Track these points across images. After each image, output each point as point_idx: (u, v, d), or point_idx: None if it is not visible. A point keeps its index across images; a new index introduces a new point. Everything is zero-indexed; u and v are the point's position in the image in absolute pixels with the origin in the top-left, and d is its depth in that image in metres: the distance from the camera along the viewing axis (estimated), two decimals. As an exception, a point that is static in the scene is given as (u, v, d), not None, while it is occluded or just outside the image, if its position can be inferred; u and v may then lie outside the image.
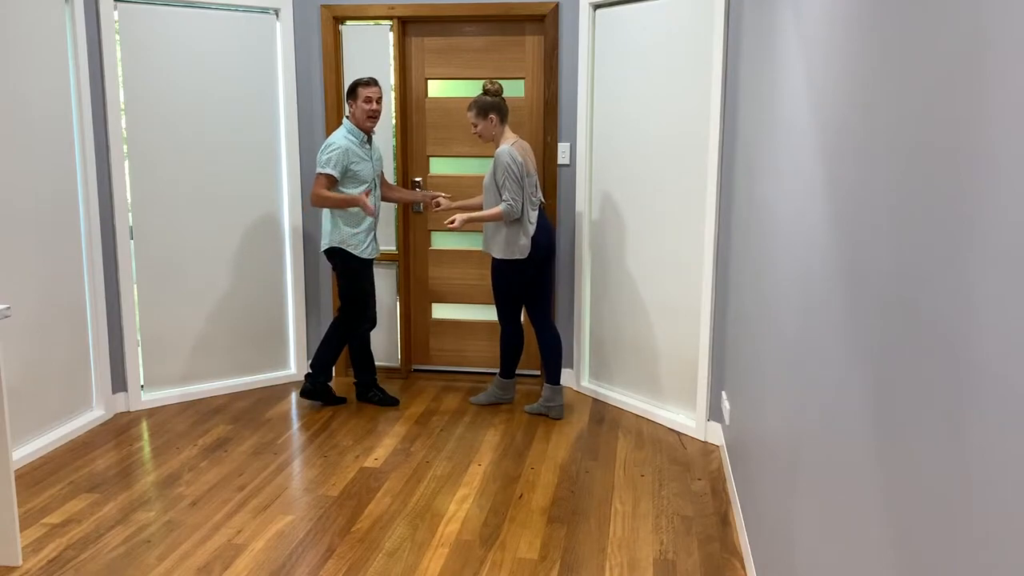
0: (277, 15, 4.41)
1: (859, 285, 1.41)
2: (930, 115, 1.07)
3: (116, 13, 3.97)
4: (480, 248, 4.65)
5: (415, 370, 4.91)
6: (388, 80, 4.56)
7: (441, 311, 4.85)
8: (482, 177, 4.61)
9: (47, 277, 3.70)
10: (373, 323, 4.24)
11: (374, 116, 3.98)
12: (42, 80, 3.62)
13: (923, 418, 1.07)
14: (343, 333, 4.17)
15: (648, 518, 3.11)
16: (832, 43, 1.72)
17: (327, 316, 4.76)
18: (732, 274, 3.58)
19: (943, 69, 1.03)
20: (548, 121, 4.41)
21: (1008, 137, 0.83)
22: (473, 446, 3.79)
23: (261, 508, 3.17)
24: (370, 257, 4.11)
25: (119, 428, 3.99)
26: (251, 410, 4.25)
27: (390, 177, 4.61)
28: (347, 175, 3.96)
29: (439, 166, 4.70)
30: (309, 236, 4.66)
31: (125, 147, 4.07)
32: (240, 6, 4.27)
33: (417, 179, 4.68)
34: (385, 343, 4.83)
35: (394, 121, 4.60)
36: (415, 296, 4.82)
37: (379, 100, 3.98)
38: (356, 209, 4.01)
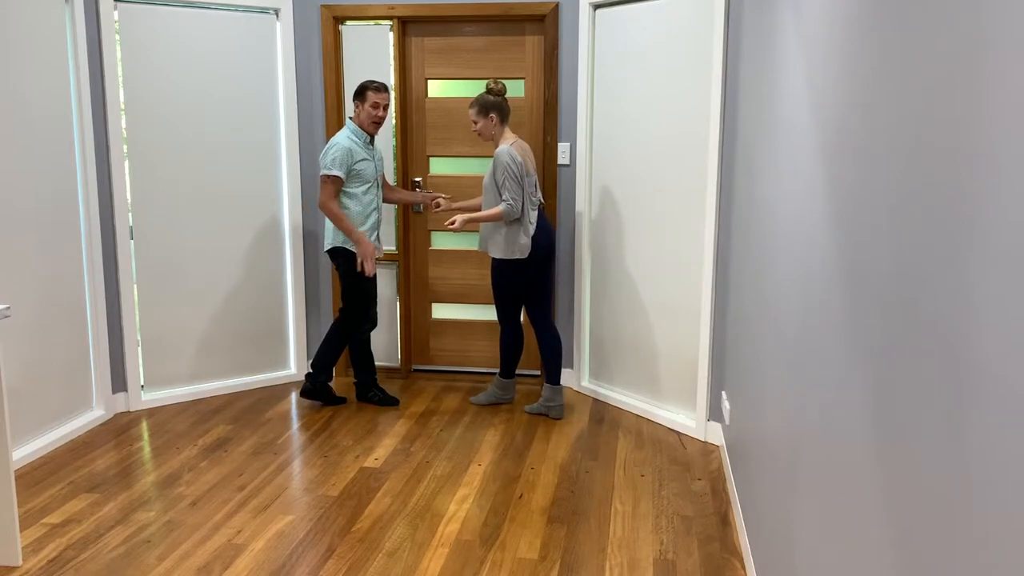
0: (277, 15, 4.41)
1: (859, 285, 1.41)
2: (930, 115, 1.07)
3: (116, 13, 3.97)
4: (478, 248, 4.65)
5: (415, 370, 4.91)
6: (388, 80, 4.56)
7: (441, 311, 4.85)
8: (482, 177, 4.61)
9: (47, 277, 3.70)
10: (373, 323, 4.24)
11: (378, 122, 3.99)
12: (42, 80, 3.62)
13: (923, 418, 1.07)
14: (345, 333, 4.17)
15: (648, 518, 3.11)
16: (832, 43, 1.72)
17: (327, 316, 4.76)
18: (732, 274, 3.58)
19: (943, 69, 1.03)
20: (548, 121, 4.41)
21: (1008, 137, 0.83)
22: (473, 446, 3.79)
23: (261, 508, 3.17)
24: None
25: (119, 428, 3.99)
26: (251, 410, 4.25)
27: (390, 177, 4.62)
28: (351, 175, 3.96)
29: (439, 166, 4.70)
30: (309, 236, 4.66)
31: (125, 147, 4.07)
32: (240, 6, 4.27)
33: (417, 179, 4.68)
34: (385, 343, 4.83)
35: (394, 121, 4.60)
36: (415, 296, 4.82)
37: (386, 107, 3.99)
38: (358, 209, 4.01)
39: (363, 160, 3.98)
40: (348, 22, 4.54)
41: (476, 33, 4.50)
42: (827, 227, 1.69)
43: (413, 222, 4.75)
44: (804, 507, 1.83)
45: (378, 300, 4.71)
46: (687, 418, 3.98)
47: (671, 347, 4.02)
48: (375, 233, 4.11)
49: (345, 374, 4.79)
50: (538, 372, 4.73)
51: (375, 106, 3.95)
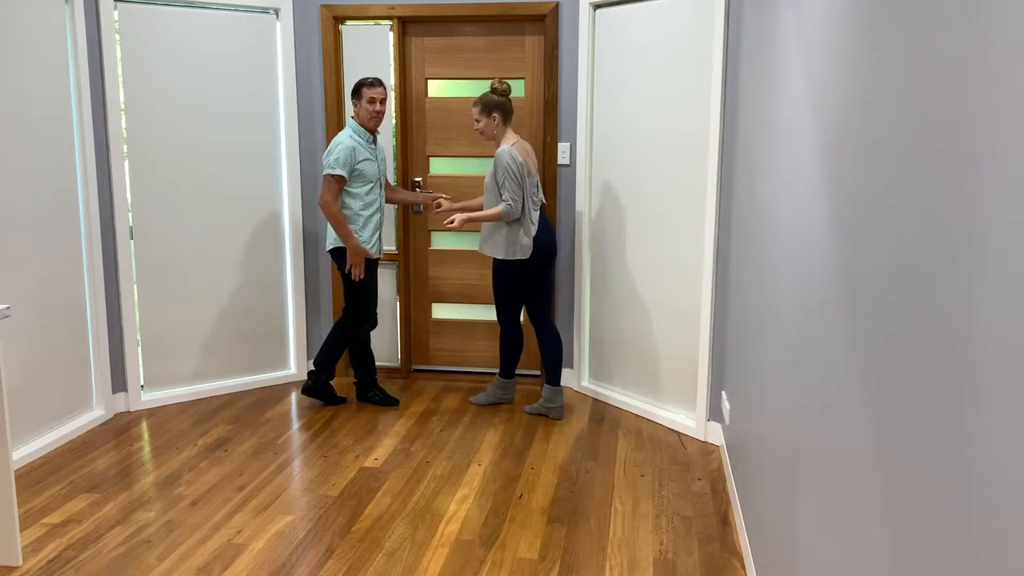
0: (277, 15, 4.41)
1: (859, 285, 1.41)
2: (930, 115, 1.07)
3: (116, 13, 3.97)
4: (478, 249, 4.65)
5: (415, 370, 4.91)
6: (388, 80, 4.56)
7: (441, 311, 4.85)
8: (482, 177, 4.61)
9: (47, 277, 3.70)
10: (374, 323, 4.24)
11: (377, 116, 3.98)
12: (42, 80, 3.62)
13: (923, 418, 1.07)
14: (347, 333, 4.17)
15: (648, 518, 3.11)
16: (832, 43, 1.72)
17: (327, 316, 4.76)
18: (732, 274, 3.58)
19: (943, 69, 1.03)
20: (548, 121, 4.41)
21: (1008, 137, 0.83)
22: (473, 446, 3.79)
23: (261, 508, 3.17)
24: (374, 257, 4.11)
25: (119, 428, 3.99)
26: (251, 410, 4.25)
27: (390, 177, 4.62)
28: (354, 174, 3.96)
29: (439, 166, 4.70)
30: (309, 236, 4.66)
31: (125, 147, 4.07)
32: (240, 6, 4.27)
33: (417, 179, 4.68)
34: (385, 343, 4.83)
35: (394, 121, 4.60)
36: (415, 296, 4.82)
37: (383, 101, 3.98)
38: (359, 208, 4.01)
39: (366, 159, 3.98)
40: (348, 22, 4.54)
41: (476, 33, 4.50)
42: (827, 227, 1.69)
43: (413, 222, 4.75)
44: (804, 507, 1.83)
45: (378, 300, 4.71)
46: (687, 418, 3.98)
47: (671, 347, 4.02)
48: (377, 233, 4.11)
49: (345, 374, 4.79)
50: (538, 372, 4.73)
51: (371, 101, 3.95)
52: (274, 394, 4.50)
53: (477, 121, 3.95)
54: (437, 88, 4.62)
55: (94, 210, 3.95)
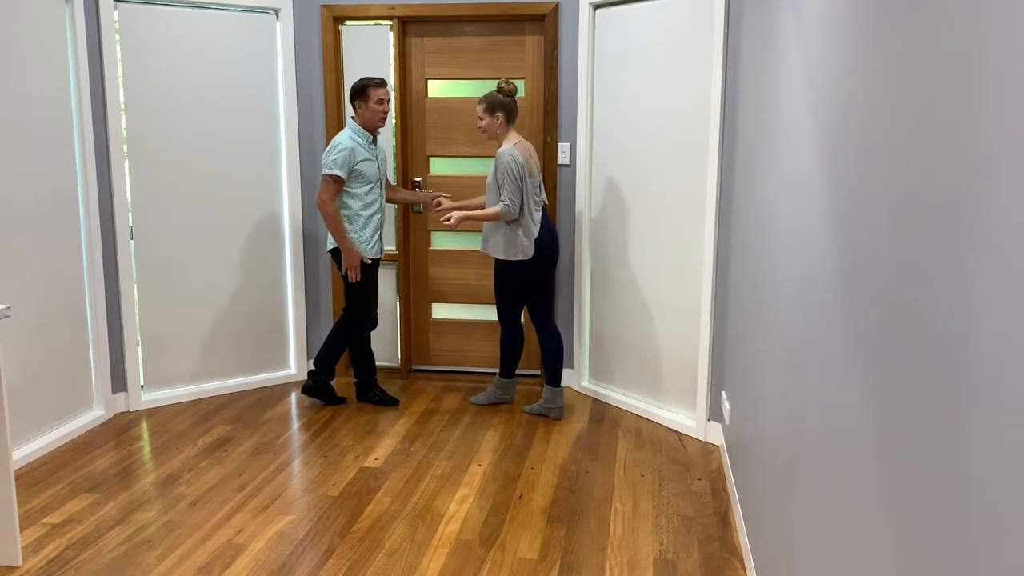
0: (277, 15, 4.41)
1: (859, 285, 1.41)
2: (930, 115, 1.07)
3: (116, 13, 3.97)
4: (479, 248, 4.65)
5: (415, 370, 4.91)
6: (388, 80, 4.56)
7: (441, 311, 4.85)
8: (481, 176, 4.61)
9: (47, 277, 3.70)
10: (374, 323, 4.24)
11: (384, 116, 4.00)
12: (42, 80, 3.62)
13: (923, 418, 1.07)
14: (348, 333, 4.17)
15: (648, 518, 3.11)
16: (832, 43, 1.72)
17: (327, 316, 4.76)
18: (732, 274, 3.58)
19: (943, 69, 1.03)
20: (548, 121, 4.41)
21: (1008, 137, 0.83)
22: (473, 446, 3.79)
23: (261, 508, 3.17)
24: (375, 257, 4.11)
25: (119, 428, 3.99)
26: (251, 410, 4.25)
27: (390, 177, 4.61)
28: (353, 175, 3.96)
29: (439, 166, 4.70)
30: (309, 236, 4.66)
31: (125, 147, 4.07)
32: (240, 6, 4.27)
33: (417, 179, 4.68)
34: (385, 343, 4.83)
35: (394, 121, 4.60)
36: (415, 296, 4.82)
37: (388, 101, 4.01)
38: (359, 208, 4.01)
39: (365, 160, 3.98)
40: (348, 22, 4.54)
41: (476, 33, 4.50)
42: (827, 227, 1.69)
43: (413, 222, 4.75)
44: (804, 507, 1.83)
45: (378, 300, 4.71)
46: (687, 418, 3.98)
47: (671, 347, 4.02)
48: (378, 233, 4.11)
49: (345, 374, 4.79)
50: (538, 372, 4.73)
51: (380, 102, 3.96)
52: (274, 394, 4.50)
53: (480, 119, 3.95)
54: (437, 88, 4.62)
55: (94, 210, 3.95)
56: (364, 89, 3.95)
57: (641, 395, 4.23)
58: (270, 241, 4.56)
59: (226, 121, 4.33)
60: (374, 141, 4.05)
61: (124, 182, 4.07)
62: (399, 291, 4.76)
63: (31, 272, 3.60)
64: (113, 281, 4.10)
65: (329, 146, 3.99)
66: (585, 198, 4.35)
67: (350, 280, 4.06)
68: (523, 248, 3.92)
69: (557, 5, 4.29)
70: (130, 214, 4.12)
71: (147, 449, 3.74)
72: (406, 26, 4.54)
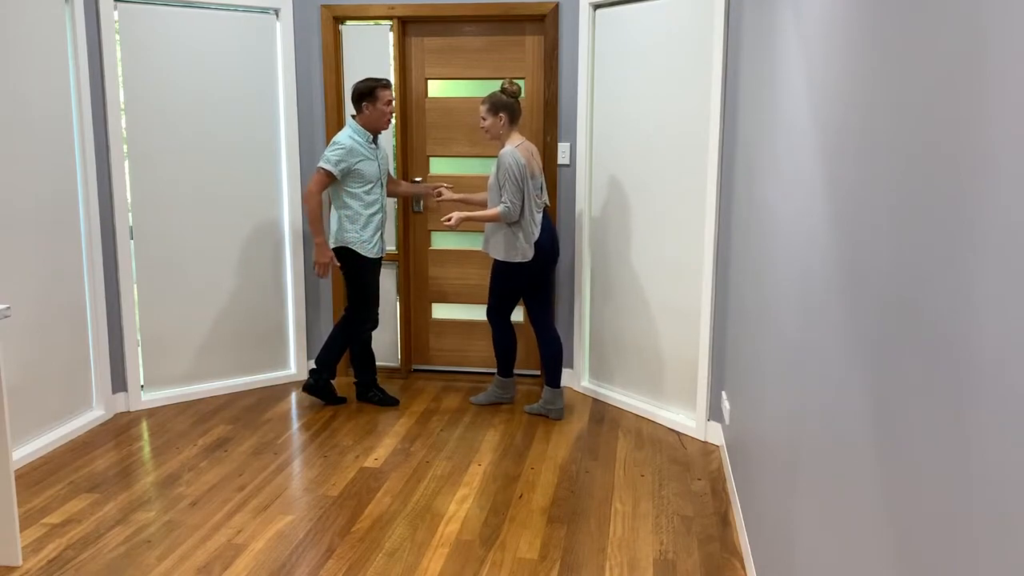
0: (277, 15, 4.41)
1: (859, 285, 1.41)
2: (930, 115, 1.07)
3: (116, 13, 3.97)
4: (480, 248, 4.65)
5: (415, 370, 4.91)
6: (389, 80, 4.56)
7: (441, 311, 4.85)
8: (482, 176, 4.61)
9: (47, 277, 3.70)
10: (375, 323, 4.24)
11: (391, 117, 4.06)
12: (42, 80, 3.62)
13: (923, 418, 1.07)
14: (349, 332, 4.17)
15: (648, 518, 3.11)
16: (832, 43, 1.72)
17: (327, 316, 4.76)
18: (732, 274, 3.58)
19: (943, 69, 1.03)
20: (548, 121, 4.41)
21: (1008, 137, 0.83)
22: (473, 446, 3.79)
23: (261, 508, 3.17)
24: (376, 256, 4.11)
25: (119, 428, 3.99)
26: (251, 410, 4.25)
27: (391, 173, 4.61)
28: (351, 174, 3.97)
29: (439, 166, 4.70)
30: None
31: (125, 147, 4.07)
32: (240, 6, 4.27)
33: (417, 179, 4.68)
34: (385, 343, 4.83)
35: (394, 121, 4.60)
36: (415, 296, 4.82)
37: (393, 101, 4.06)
38: (360, 208, 4.01)
39: (364, 159, 3.98)
40: (348, 22, 4.54)
41: (476, 33, 4.50)
42: (827, 227, 1.69)
43: (413, 222, 4.75)
44: (804, 507, 1.83)
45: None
46: (687, 418, 3.98)
47: (671, 347, 4.02)
48: (379, 233, 4.11)
49: (345, 374, 4.79)
50: (538, 372, 4.72)
51: (388, 103, 3.99)
52: (274, 394, 4.50)
53: (484, 119, 3.95)
54: (437, 88, 4.62)
55: (94, 210, 3.95)
56: (373, 91, 3.95)
57: (641, 395, 4.23)
58: (270, 241, 4.56)
59: (226, 121, 4.33)
60: (375, 141, 4.06)
61: (124, 182, 4.07)
62: (399, 291, 4.76)
63: (31, 272, 3.60)
64: (113, 281, 4.10)
65: (330, 142, 4.00)
66: (585, 198, 4.35)
67: (316, 273, 4.08)
68: (522, 251, 3.92)
69: (557, 5, 4.29)
70: (130, 214, 4.12)
71: (147, 449, 3.74)
72: (406, 26, 4.54)
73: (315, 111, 4.59)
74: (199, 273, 4.35)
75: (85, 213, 3.92)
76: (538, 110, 4.48)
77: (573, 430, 3.99)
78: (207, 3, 4.19)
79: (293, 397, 4.45)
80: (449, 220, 3.88)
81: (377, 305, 4.21)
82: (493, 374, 4.81)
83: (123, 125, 4.05)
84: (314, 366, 4.26)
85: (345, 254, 4.07)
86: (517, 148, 3.88)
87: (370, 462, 3.61)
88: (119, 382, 4.19)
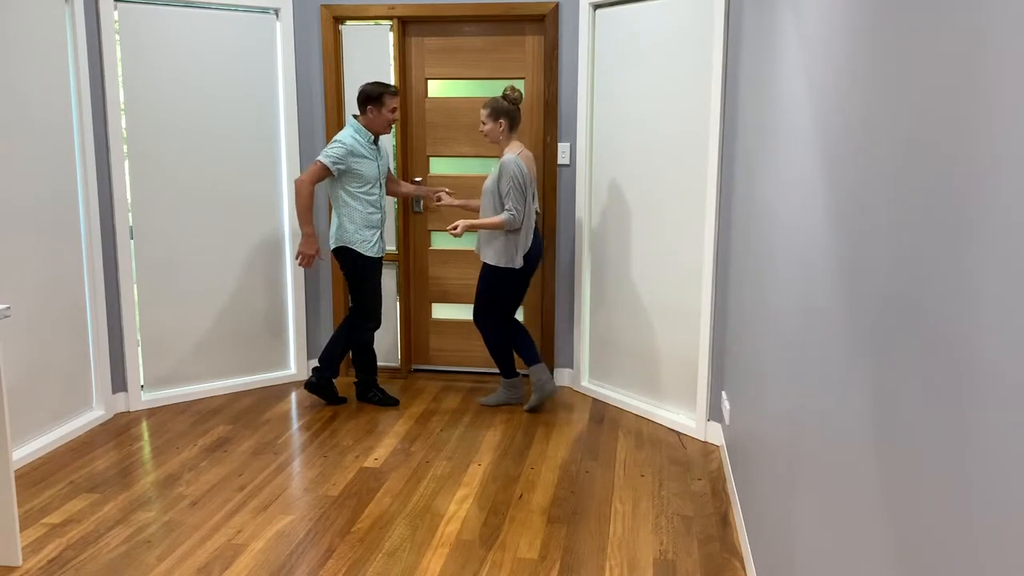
0: (277, 15, 4.41)
1: (859, 285, 1.41)
2: (930, 115, 1.07)
3: (116, 13, 3.97)
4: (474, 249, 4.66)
5: (415, 370, 4.91)
6: (388, 80, 4.56)
7: (441, 311, 4.85)
8: (482, 176, 4.61)
9: (47, 277, 3.70)
10: (378, 323, 4.24)
11: (393, 124, 4.10)
12: (42, 80, 3.62)
13: (923, 418, 1.07)
14: (351, 333, 4.18)
15: (648, 518, 3.11)
16: (832, 43, 1.72)
17: (327, 316, 4.76)
18: (732, 274, 3.58)
19: (943, 69, 1.03)
20: (548, 121, 4.41)
21: (1008, 137, 0.83)
22: (473, 446, 3.79)
23: (261, 508, 3.17)
24: (377, 256, 4.12)
25: (119, 428, 3.99)
26: (251, 410, 4.25)
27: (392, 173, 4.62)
28: (350, 174, 3.97)
29: (439, 166, 4.70)
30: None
31: (125, 147, 4.07)
32: (240, 6, 4.27)
33: (418, 179, 4.68)
34: (385, 343, 4.83)
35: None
36: (415, 296, 4.82)
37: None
38: (360, 207, 4.02)
39: (363, 159, 3.98)
40: (348, 22, 4.54)
41: (476, 33, 4.50)
42: (827, 227, 1.69)
43: (413, 222, 4.75)
44: (804, 507, 1.83)
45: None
46: (687, 418, 3.98)
47: (671, 347, 4.02)
48: (379, 232, 4.11)
49: (346, 374, 4.79)
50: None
51: (393, 110, 4.02)
52: (274, 394, 4.50)
53: (484, 123, 3.98)
54: (437, 88, 4.62)
55: (94, 210, 3.95)
56: (381, 96, 3.97)
57: (641, 395, 4.23)
58: (270, 241, 4.56)
59: (226, 121, 4.33)
60: (375, 141, 4.06)
61: (124, 182, 4.07)
62: (399, 291, 4.76)
63: (31, 272, 3.60)
64: (113, 281, 4.10)
65: (332, 139, 4.01)
66: (585, 198, 4.35)
67: (297, 262, 4.10)
68: (514, 259, 3.98)
69: (557, 5, 4.29)
70: (130, 214, 4.12)
71: (147, 449, 3.74)
72: (406, 26, 4.54)
73: (315, 111, 4.59)
74: (199, 273, 4.35)
75: (85, 213, 3.92)
76: (538, 110, 4.48)
77: (573, 430, 3.99)
78: (207, 3, 4.19)
79: (293, 397, 4.45)
80: (455, 228, 3.92)
81: (380, 305, 4.21)
82: (493, 374, 4.81)
83: (123, 125, 4.05)
84: (317, 364, 4.27)
85: (345, 254, 4.07)
86: (519, 155, 3.93)
87: (370, 462, 3.61)
88: (119, 382, 4.19)
